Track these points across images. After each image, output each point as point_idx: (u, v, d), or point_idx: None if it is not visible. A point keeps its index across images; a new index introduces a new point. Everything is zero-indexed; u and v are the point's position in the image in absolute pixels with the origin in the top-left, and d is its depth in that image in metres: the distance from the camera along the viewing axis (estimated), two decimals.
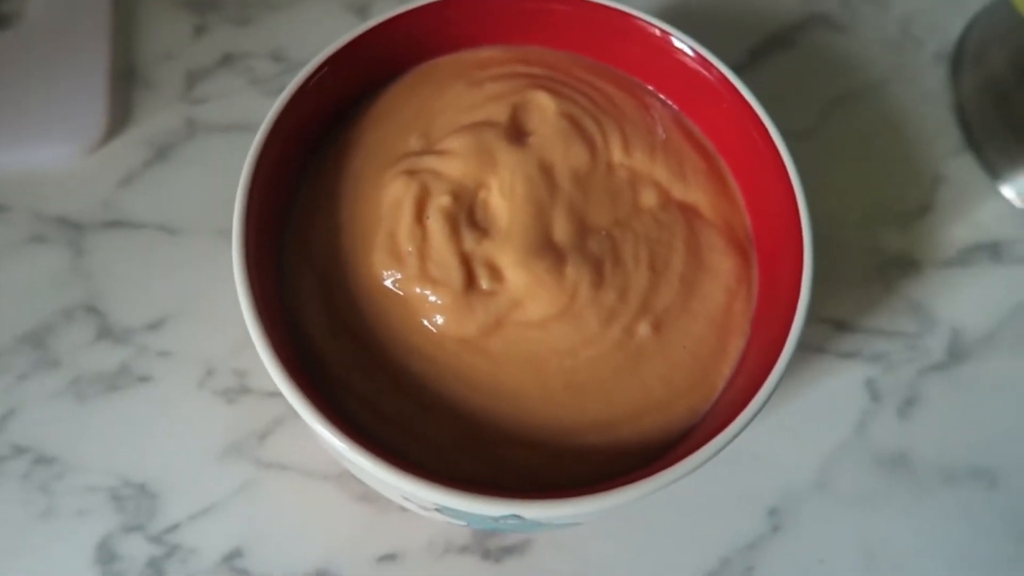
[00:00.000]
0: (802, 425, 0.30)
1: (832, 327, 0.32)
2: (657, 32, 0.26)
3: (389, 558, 0.27)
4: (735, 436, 0.20)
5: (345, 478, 0.28)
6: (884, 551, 0.29)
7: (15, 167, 0.31)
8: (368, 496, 0.28)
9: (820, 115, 0.36)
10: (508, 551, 0.28)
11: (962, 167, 0.35)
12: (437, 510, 0.21)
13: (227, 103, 0.34)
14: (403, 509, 0.28)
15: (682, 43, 0.26)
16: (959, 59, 0.37)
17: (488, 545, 0.28)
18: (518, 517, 0.19)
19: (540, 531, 0.26)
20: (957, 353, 0.32)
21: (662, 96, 0.27)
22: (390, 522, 0.28)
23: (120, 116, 0.33)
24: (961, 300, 0.33)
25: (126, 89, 0.33)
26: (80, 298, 0.30)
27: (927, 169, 0.35)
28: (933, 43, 0.38)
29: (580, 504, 0.19)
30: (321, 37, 0.36)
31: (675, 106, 0.27)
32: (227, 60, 0.35)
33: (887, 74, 0.37)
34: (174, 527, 0.27)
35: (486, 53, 0.27)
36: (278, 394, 0.29)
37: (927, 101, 0.37)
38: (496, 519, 0.20)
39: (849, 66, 0.37)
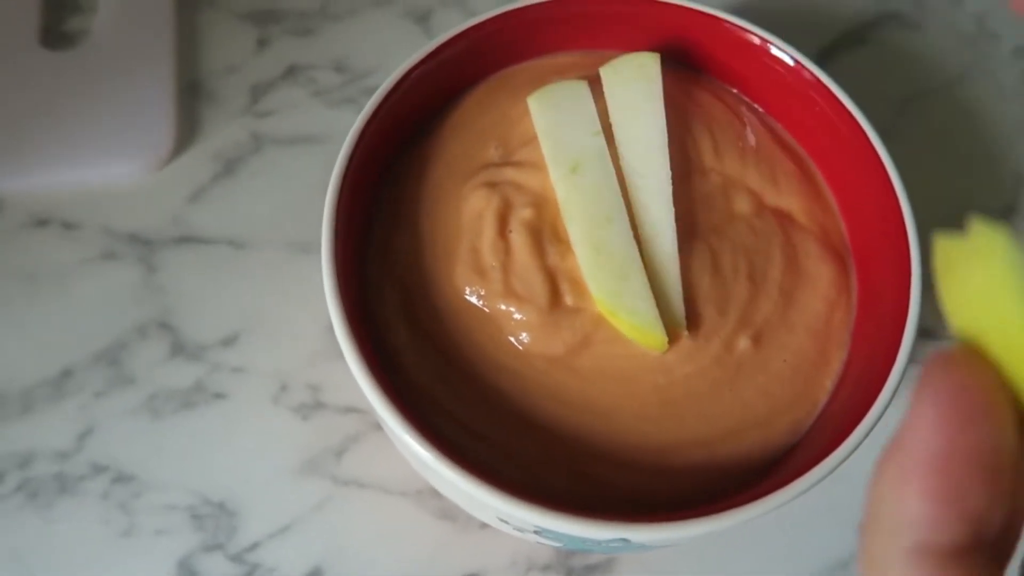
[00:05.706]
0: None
1: (918, 335, 0.30)
2: (756, 40, 0.25)
3: None
4: (851, 453, 0.19)
5: (424, 495, 0.27)
6: None
7: (85, 184, 0.31)
8: (448, 513, 0.27)
9: (895, 114, 0.35)
10: (591, 570, 0.27)
11: None
12: (535, 532, 0.21)
13: (292, 116, 0.33)
14: (483, 526, 0.27)
15: (781, 51, 0.25)
16: None
17: (571, 564, 0.27)
18: (625, 540, 0.19)
19: (633, 551, 0.25)
20: None
21: (748, 99, 0.27)
22: (471, 540, 0.27)
23: (187, 131, 0.33)
24: None
25: (192, 104, 0.33)
26: (153, 314, 0.30)
27: (1009, 168, 0.34)
28: (1011, 38, 0.36)
29: (693, 527, 0.18)
30: (383, 47, 0.36)
31: (761, 109, 0.26)
32: (290, 72, 0.34)
33: (963, 71, 0.36)
34: (254, 546, 0.27)
35: (564, 59, 0.27)
36: (353, 410, 0.29)
37: (1007, 98, 0.35)
38: (600, 542, 0.19)
39: (923, 63, 0.36)
